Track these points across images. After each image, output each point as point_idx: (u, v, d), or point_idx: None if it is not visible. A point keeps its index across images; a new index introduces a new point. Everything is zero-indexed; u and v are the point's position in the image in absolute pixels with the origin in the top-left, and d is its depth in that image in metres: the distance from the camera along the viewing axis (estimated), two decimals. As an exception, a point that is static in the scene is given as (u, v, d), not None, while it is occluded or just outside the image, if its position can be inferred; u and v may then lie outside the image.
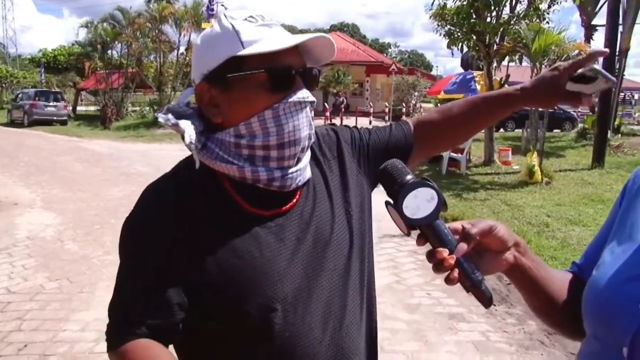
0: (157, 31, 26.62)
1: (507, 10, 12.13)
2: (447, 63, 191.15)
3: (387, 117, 31.82)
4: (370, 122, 29.58)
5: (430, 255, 0.89)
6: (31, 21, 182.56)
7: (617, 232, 0.92)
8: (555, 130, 24.11)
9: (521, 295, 1.04)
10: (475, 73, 14.10)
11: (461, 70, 20.03)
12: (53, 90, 32.19)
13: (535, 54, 10.30)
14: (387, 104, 32.93)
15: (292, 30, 54.31)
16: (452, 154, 12.18)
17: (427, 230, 0.91)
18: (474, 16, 12.11)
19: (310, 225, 1.10)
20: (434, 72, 76.46)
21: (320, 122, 25.76)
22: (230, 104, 1.05)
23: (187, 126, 1.04)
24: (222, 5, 33.00)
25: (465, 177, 11.47)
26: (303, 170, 1.10)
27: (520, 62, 12.43)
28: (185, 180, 1.08)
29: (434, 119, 1.35)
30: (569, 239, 6.52)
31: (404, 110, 33.81)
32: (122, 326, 1.01)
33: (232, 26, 1.04)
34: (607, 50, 1.22)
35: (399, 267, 5.79)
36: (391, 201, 0.92)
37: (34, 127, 25.69)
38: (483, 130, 13.43)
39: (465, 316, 4.48)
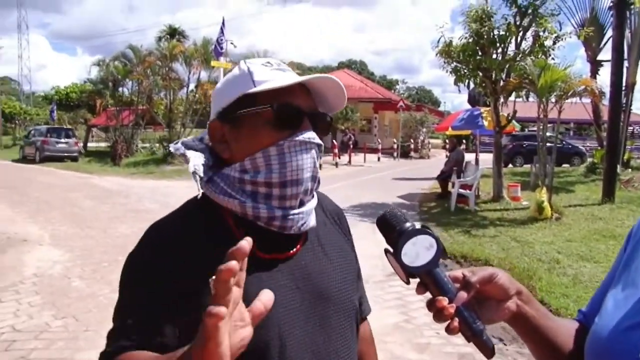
0: (167, 69, 27.01)
1: (512, 47, 12.25)
2: (455, 99, 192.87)
3: (395, 154, 31.94)
4: (378, 159, 29.72)
5: (430, 304, 0.88)
6: (46, 59, 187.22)
7: (621, 278, 0.90)
8: (564, 165, 24.08)
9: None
10: (483, 109, 14.15)
11: (468, 106, 20.13)
12: (64, 127, 32.68)
13: (541, 90, 10.32)
14: (395, 140, 33.10)
15: (300, 67, 55.30)
16: (460, 190, 12.15)
17: (426, 278, 0.90)
18: (480, 53, 12.23)
19: (312, 277, 1.10)
20: (441, 108, 76.86)
21: (328, 158, 25.92)
22: (239, 140, 1.08)
23: (194, 156, 1.08)
24: (232, 43, 33.66)
25: (474, 214, 11.40)
26: (307, 215, 1.09)
27: (527, 98, 12.46)
28: (189, 217, 1.10)
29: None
30: (580, 275, 6.43)
31: (412, 146, 33.98)
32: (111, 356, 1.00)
33: (248, 68, 1.09)
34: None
35: (407, 305, 5.72)
36: (390, 249, 0.91)
37: (45, 163, 25.93)
38: (491, 166, 13.48)
39: (476, 356, 4.39)
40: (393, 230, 0.92)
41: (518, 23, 11.99)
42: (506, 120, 12.70)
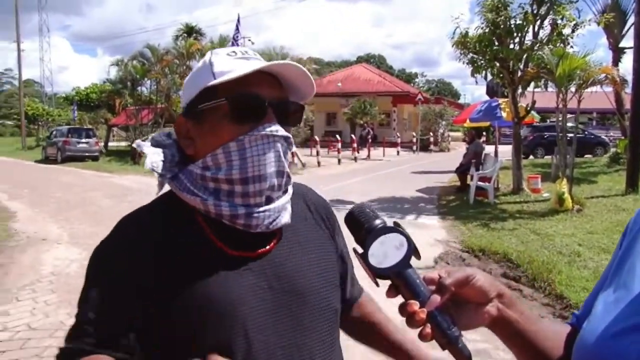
0: (184, 67, 27.11)
1: (529, 36, 12.03)
2: (475, 91, 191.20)
3: (414, 147, 31.73)
4: (398, 153, 29.57)
5: (401, 309, 0.81)
6: (68, 61, 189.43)
7: (614, 278, 0.82)
8: (586, 156, 23.69)
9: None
10: (501, 100, 13.91)
11: (487, 97, 19.87)
12: (85, 127, 33.08)
13: (559, 79, 10.11)
14: (414, 134, 32.89)
15: (318, 62, 55.07)
16: (479, 182, 11.99)
17: (397, 280, 0.83)
18: (497, 43, 12.03)
19: (287, 276, 1.04)
20: (461, 101, 76.35)
21: (347, 153, 25.84)
22: (201, 136, 1.04)
23: (152, 153, 1.04)
24: (249, 40, 33.72)
25: (493, 206, 11.24)
26: (275, 212, 1.03)
27: (546, 88, 12.23)
28: (158, 213, 1.06)
29: (364, 316, 1.33)
30: (601, 268, 6.22)
31: (431, 139, 33.72)
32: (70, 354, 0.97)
33: (209, 59, 1.05)
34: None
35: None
36: (358, 249, 0.85)
37: (67, 163, 26.27)
38: (510, 158, 13.28)
39: (491, 353, 4.30)
40: (361, 228, 0.85)
41: (535, 11, 11.75)
42: (525, 111, 12.48)
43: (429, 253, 7.45)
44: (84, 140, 27.96)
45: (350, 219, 0.88)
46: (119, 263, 0.99)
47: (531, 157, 24.70)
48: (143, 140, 1.09)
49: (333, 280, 1.14)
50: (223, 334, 0.95)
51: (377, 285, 0.86)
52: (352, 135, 29.21)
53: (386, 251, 0.82)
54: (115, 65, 30.14)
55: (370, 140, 28.94)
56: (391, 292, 0.84)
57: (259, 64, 1.02)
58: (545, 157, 23.60)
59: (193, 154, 1.05)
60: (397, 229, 0.84)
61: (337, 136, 26.15)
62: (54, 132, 30.37)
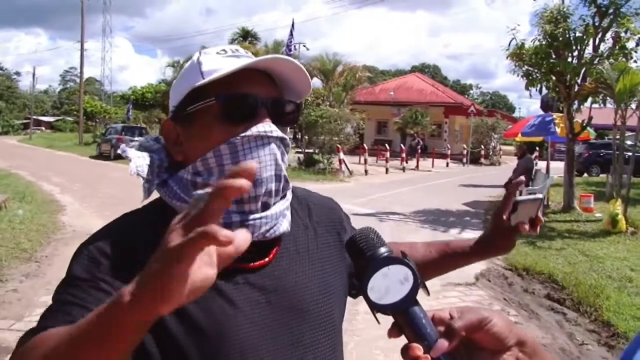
0: (238, 70, 27.55)
1: (589, 49, 11.58)
2: (531, 105, 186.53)
3: (464, 160, 31.21)
4: (447, 165, 29.15)
5: (404, 352, 0.69)
6: (128, 61, 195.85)
7: None
8: (644, 176, 22.64)
9: None
10: (555, 115, 13.47)
11: (542, 112, 19.31)
12: (138, 125, 33.97)
13: (619, 95, 9.69)
14: (465, 146, 32.34)
15: (372, 70, 54.86)
16: (528, 198, 11.60)
17: (400, 319, 0.71)
18: (554, 56, 11.65)
19: (286, 289, 0.96)
20: (516, 114, 74.82)
21: (396, 162, 25.62)
22: (191, 140, 0.97)
23: (136, 157, 0.97)
24: (304, 46, 34.00)
25: (541, 224, 10.82)
26: (272, 219, 0.95)
27: (604, 104, 11.76)
28: (149, 218, 0.98)
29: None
30: (654, 297, 5.92)
31: (482, 152, 33.07)
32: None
33: (197, 59, 0.98)
34: (522, 179, 1.24)
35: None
36: (357, 282, 0.74)
37: (119, 160, 27.01)
38: (563, 175, 12.82)
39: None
40: (362, 257, 0.75)
41: (597, 24, 11.32)
42: (580, 127, 12.02)
43: (470, 270, 7.21)
44: (136, 138, 28.68)
45: (351, 244, 0.77)
46: (102, 263, 0.91)
47: (585, 175, 23.85)
48: (125, 145, 1.04)
49: (337, 293, 1.05)
50: (218, 349, 0.89)
51: (378, 322, 0.76)
52: (402, 145, 28.95)
53: (389, 285, 0.71)
54: (171, 67, 31.04)
55: (419, 151, 28.63)
56: (394, 332, 0.72)
57: (248, 61, 0.94)
58: (601, 175, 22.73)
59: (183, 160, 0.98)
60: (402, 260, 0.72)
61: (387, 145, 25.96)
62: (109, 130, 31.38)
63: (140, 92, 44.77)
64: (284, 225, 0.98)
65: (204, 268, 0.57)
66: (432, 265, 1.26)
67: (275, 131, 0.94)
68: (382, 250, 0.74)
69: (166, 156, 1.00)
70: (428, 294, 0.73)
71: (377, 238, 0.76)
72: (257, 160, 0.91)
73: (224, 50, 1.00)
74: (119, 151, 1.05)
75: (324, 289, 1.02)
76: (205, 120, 0.94)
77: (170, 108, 1.01)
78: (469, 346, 0.71)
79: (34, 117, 66.19)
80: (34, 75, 68.31)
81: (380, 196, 15.05)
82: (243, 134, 0.92)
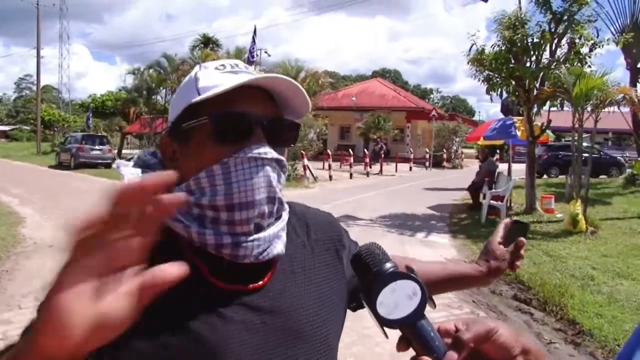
0: (200, 77, 27.32)
1: (547, 54, 11.91)
2: (490, 108, 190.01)
3: (427, 163, 31.61)
4: (410, 169, 29.46)
5: None
6: (86, 68, 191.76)
7: None
8: (601, 176, 23.35)
9: None
10: (516, 119, 13.78)
11: (502, 115, 19.72)
12: (99, 134, 33.31)
13: (576, 99, 9.96)
14: (427, 150, 32.78)
15: (333, 75, 55.12)
16: (492, 201, 11.84)
17: (408, 333, 0.72)
18: (513, 61, 11.93)
19: (281, 311, 0.95)
20: (476, 118, 76.15)
21: (360, 167, 25.76)
22: (186, 157, 0.95)
23: (130, 174, 0.95)
24: (265, 52, 33.91)
25: (505, 225, 11.04)
26: (266, 241, 0.93)
27: (562, 107, 12.09)
28: None
29: None
30: (616, 294, 6.10)
31: (444, 156, 33.57)
32: None
33: (195, 74, 0.96)
34: (508, 220, 1.42)
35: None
36: (364, 296, 0.74)
37: (79, 169, 26.42)
38: (524, 177, 13.11)
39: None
40: (368, 273, 0.75)
41: (553, 30, 11.65)
42: (540, 130, 12.33)
43: (439, 272, 7.31)
44: (97, 147, 28.13)
45: (357, 261, 0.77)
46: None
47: (545, 176, 24.45)
48: (128, 160, 1.01)
49: (334, 312, 1.04)
50: None
51: (387, 337, 0.76)
52: (365, 150, 29.14)
53: (397, 300, 0.72)
54: (131, 74, 30.58)
55: (383, 156, 28.87)
56: (402, 346, 0.73)
57: (246, 77, 0.92)
58: (560, 176, 23.35)
59: (179, 177, 0.96)
60: (410, 275, 0.73)
61: (350, 150, 26.09)
62: (68, 138, 30.61)
63: (100, 100, 44.11)
64: (278, 247, 0.96)
65: (105, 297, 0.50)
66: (432, 283, 1.27)
67: (270, 152, 0.92)
68: (388, 265, 0.74)
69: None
70: (434, 306, 0.74)
71: (382, 254, 0.76)
72: (250, 182, 0.90)
73: (222, 65, 0.97)
74: (113, 166, 1.03)
75: (320, 309, 1.00)
76: (200, 138, 0.92)
77: (168, 123, 1.00)
78: (475, 357, 0.72)
79: (-12, 126, 64.19)
80: (-13, 83, 66.23)
81: (346, 201, 15.10)
82: (236, 155, 0.90)
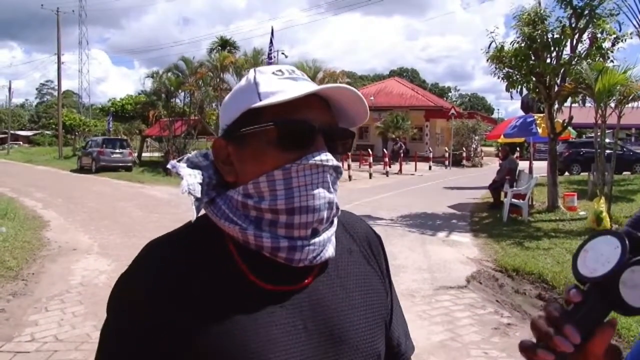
0: (218, 80, 27.43)
1: (567, 50, 11.76)
2: (509, 106, 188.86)
3: (447, 162, 31.41)
4: (430, 168, 29.30)
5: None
6: (106, 73, 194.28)
7: None
8: (625, 173, 23.03)
9: None
10: (536, 116, 13.62)
11: (522, 113, 19.52)
12: (119, 137, 33.67)
13: (599, 95, 9.83)
14: (447, 149, 32.58)
15: (351, 75, 55.09)
16: (513, 200, 11.72)
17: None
18: (533, 58, 11.81)
19: (325, 316, 0.94)
20: (494, 115, 75.62)
21: (379, 167, 25.69)
22: (243, 161, 0.94)
23: (188, 174, 0.95)
24: (283, 53, 33.96)
25: (527, 224, 10.95)
26: (320, 246, 0.93)
27: (584, 104, 11.93)
28: (188, 240, 0.96)
29: None
30: (642, 292, 6.00)
31: (464, 154, 33.32)
32: None
33: (254, 78, 0.96)
34: None
35: (454, 322, 5.45)
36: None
37: (101, 173, 26.73)
38: (545, 174, 12.96)
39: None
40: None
41: (574, 25, 11.50)
42: (561, 127, 12.18)
43: (461, 272, 7.26)
44: (117, 150, 28.44)
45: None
46: (136, 300, 0.90)
47: (567, 173, 24.15)
48: (178, 161, 1.00)
49: (379, 322, 1.02)
50: None
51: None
52: (384, 150, 29.07)
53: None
54: (150, 77, 30.76)
55: (402, 155, 28.75)
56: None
57: (309, 85, 0.93)
58: (582, 173, 23.05)
59: (233, 180, 0.96)
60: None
61: (369, 150, 26.05)
62: (89, 143, 31.00)
63: (120, 104, 44.48)
64: (330, 250, 0.96)
65: None
66: None
67: (332, 160, 0.92)
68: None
69: (214, 173, 0.98)
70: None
71: None
72: (311, 188, 0.90)
73: (280, 71, 0.97)
74: (168, 166, 1.01)
75: (367, 317, 0.99)
76: (260, 142, 0.92)
77: (221, 126, 0.99)
78: None
79: (12, 131, 65.21)
80: (9, 89, 67.46)
81: (366, 201, 15.08)
82: (299, 162, 0.90)
